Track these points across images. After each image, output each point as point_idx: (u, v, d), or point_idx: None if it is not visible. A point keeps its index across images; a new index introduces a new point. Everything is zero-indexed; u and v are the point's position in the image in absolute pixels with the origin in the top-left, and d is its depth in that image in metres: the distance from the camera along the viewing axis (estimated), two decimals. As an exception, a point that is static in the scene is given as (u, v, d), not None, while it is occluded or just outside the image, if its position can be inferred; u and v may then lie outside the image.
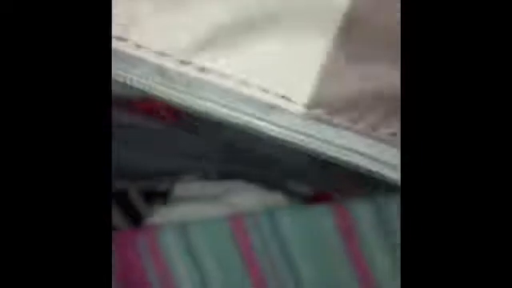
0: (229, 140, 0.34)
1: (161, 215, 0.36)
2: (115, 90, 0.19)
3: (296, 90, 0.18)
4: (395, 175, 0.18)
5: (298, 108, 0.18)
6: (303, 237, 0.32)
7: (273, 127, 0.19)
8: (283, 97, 0.18)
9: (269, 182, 0.37)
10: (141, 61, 0.19)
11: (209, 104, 0.19)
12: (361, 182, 0.36)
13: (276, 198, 0.35)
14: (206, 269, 0.33)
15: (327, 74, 0.18)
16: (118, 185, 0.40)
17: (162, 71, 0.19)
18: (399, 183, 0.18)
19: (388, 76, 0.18)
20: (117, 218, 0.42)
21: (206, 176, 0.37)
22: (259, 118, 0.18)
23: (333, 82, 0.18)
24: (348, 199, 0.34)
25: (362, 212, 0.32)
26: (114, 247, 0.34)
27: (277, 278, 0.33)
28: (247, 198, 0.35)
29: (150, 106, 0.32)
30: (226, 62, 0.19)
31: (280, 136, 0.19)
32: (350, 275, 0.32)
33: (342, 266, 0.32)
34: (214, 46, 0.19)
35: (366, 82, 0.18)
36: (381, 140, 0.19)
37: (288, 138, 0.18)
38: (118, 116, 0.32)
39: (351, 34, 0.18)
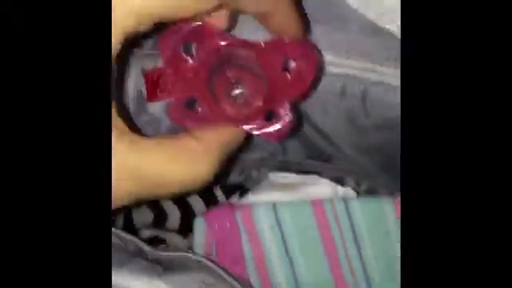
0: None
1: (248, 199, 0.41)
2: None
3: None
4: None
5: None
6: (370, 222, 0.38)
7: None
8: None
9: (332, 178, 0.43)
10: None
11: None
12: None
13: (346, 191, 0.41)
14: (291, 243, 0.38)
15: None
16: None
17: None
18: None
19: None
20: (199, 207, 0.47)
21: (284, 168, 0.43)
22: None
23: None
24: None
25: None
26: (214, 218, 0.39)
27: (346, 254, 0.38)
28: (322, 189, 0.40)
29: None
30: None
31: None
32: None
33: (398, 247, 0.38)
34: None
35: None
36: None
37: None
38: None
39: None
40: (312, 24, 0.28)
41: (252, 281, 0.38)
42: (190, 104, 0.27)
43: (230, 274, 0.32)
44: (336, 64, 0.29)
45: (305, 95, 0.27)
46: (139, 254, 0.29)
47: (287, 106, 0.26)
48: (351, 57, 0.29)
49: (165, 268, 0.29)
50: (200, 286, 0.25)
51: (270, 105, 0.27)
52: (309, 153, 0.41)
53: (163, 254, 0.31)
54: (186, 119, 0.27)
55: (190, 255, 0.31)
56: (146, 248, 0.31)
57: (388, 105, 0.30)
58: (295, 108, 0.27)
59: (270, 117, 0.27)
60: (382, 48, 0.27)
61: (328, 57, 0.29)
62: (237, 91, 0.28)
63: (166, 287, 0.24)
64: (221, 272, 0.31)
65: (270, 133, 0.27)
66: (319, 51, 0.28)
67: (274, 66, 0.26)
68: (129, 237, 0.31)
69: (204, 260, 0.31)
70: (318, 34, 0.28)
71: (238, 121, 0.27)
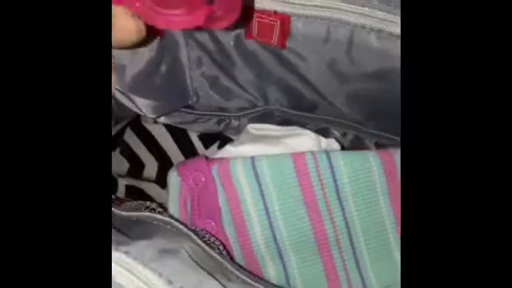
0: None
1: (226, 151, 0.38)
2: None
3: None
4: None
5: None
6: (354, 176, 0.35)
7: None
8: None
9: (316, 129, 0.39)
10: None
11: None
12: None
13: (329, 142, 0.37)
14: (269, 197, 0.35)
15: None
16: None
17: None
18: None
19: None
20: (177, 157, 0.44)
21: (266, 118, 0.39)
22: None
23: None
24: (390, 146, 0.37)
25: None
26: (189, 172, 0.36)
27: (328, 209, 0.35)
28: (304, 140, 0.37)
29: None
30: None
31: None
32: (387, 208, 0.35)
33: (382, 200, 0.35)
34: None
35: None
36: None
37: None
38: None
39: None
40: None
41: (229, 235, 0.35)
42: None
43: (197, 233, 0.29)
44: (319, 6, 0.25)
45: None
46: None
47: None
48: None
49: (129, 233, 0.25)
50: (158, 252, 0.22)
51: None
52: (291, 101, 0.37)
53: (125, 214, 0.27)
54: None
55: (156, 215, 0.28)
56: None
57: (377, 53, 0.26)
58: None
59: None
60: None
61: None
62: None
63: (126, 258, 0.21)
64: (188, 232, 0.28)
65: None
66: None
67: None
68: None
69: (169, 220, 0.28)
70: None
71: None
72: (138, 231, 0.26)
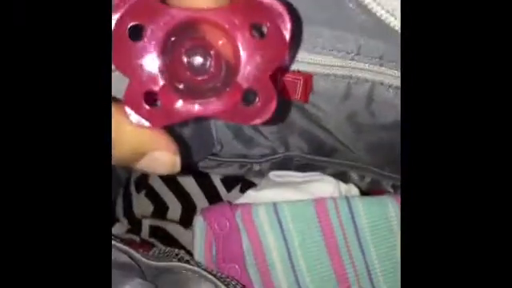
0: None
1: (249, 197, 0.38)
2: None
3: None
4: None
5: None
6: (373, 221, 0.35)
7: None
8: None
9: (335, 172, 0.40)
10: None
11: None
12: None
13: (348, 188, 0.38)
14: (292, 242, 0.35)
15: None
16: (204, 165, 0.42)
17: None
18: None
19: None
20: (200, 199, 0.45)
21: (287, 163, 0.40)
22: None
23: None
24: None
25: None
26: (213, 218, 0.36)
27: (349, 254, 0.35)
28: (324, 186, 0.37)
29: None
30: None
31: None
32: None
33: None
34: None
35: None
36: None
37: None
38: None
39: None
40: (316, 26, 0.24)
41: (253, 279, 0.36)
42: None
43: (223, 281, 0.29)
44: (340, 66, 0.26)
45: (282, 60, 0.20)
46: (130, 265, 0.27)
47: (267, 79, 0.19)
48: (357, 58, 0.25)
49: (159, 283, 0.26)
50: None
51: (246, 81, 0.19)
52: (311, 148, 0.38)
53: (154, 263, 0.28)
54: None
55: (185, 265, 0.29)
56: (138, 256, 0.28)
57: (393, 106, 0.27)
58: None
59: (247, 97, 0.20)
60: (390, 49, 0.23)
61: (332, 58, 0.25)
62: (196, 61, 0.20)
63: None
64: (215, 280, 0.29)
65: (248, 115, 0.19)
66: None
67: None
68: (119, 245, 0.28)
69: (199, 269, 0.29)
70: (324, 36, 0.25)
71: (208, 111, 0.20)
72: (167, 281, 0.26)
